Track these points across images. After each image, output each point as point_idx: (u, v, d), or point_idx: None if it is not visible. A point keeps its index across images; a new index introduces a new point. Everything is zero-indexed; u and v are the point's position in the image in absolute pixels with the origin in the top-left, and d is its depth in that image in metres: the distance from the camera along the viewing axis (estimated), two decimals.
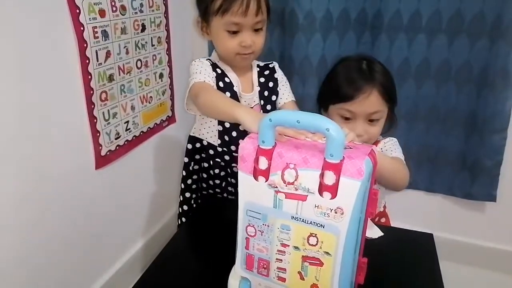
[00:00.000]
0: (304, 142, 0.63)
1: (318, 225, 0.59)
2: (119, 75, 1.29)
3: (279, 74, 1.16)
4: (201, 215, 1.09)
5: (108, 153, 1.30)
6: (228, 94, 1.04)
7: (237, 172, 0.64)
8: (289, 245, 0.62)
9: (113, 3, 1.21)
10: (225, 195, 1.18)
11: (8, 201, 1.01)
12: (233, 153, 1.11)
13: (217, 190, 1.18)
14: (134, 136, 1.43)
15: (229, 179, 1.16)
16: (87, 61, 1.15)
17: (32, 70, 1.02)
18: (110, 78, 1.25)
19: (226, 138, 1.10)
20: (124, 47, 1.29)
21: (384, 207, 1.16)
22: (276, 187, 0.60)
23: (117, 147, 1.34)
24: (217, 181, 1.17)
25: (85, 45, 1.13)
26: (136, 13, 1.33)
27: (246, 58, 1.04)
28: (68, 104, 1.14)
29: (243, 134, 1.04)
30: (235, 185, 1.14)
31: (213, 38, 1.05)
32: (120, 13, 1.25)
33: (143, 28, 1.38)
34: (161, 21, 1.48)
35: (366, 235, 0.66)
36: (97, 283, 1.37)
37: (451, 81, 1.48)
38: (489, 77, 1.41)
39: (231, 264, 0.71)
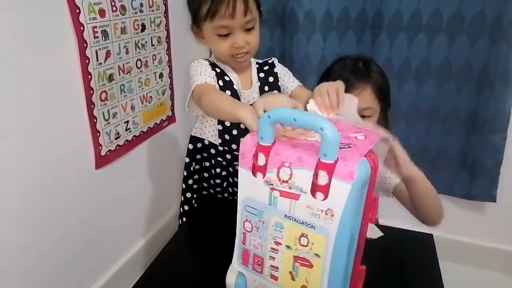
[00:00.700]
0: (303, 142, 0.63)
1: (309, 225, 0.58)
2: (119, 75, 1.29)
3: (279, 68, 1.15)
4: (201, 215, 1.09)
5: (108, 153, 1.30)
6: (228, 92, 1.04)
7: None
8: (281, 244, 0.62)
9: (113, 3, 1.21)
10: (225, 195, 1.18)
11: (8, 201, 1.01)
12: (234, 152, 1.11)
13: (218, 189, 1.18)
14: (134, 136, 1.43)
15: (230, 179, 1.16)
16: (87, 61, 1.15)
17: (32, 70, 1.02)
18: (110, 78, 1.25)
19: (227, 137, 1.10)
20: (124, 47, 1.29)
21: None
22: (272, 184, 0.60)
23: (117, 147, 1.34)
24: (218, 181, 1.16)
25: (85, 45, 1.14)
26: (136, 13, 1.33)
27: (242, 58, 1.04)
28: (68, 104, 1.14)
29: (244, 132, 1.04)
30: (237, 185, 1.14)
31: (207, 43, 1.05)
32: (120, 13, 1.25)
33: (143, 28, 1.38)
34: (161, 21, 1.48)
35: (366, 236, 0.66)
36: (97, 283, 1.37)
37: (451, 81, 1.48)
38: (489, 76, 1.41)
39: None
